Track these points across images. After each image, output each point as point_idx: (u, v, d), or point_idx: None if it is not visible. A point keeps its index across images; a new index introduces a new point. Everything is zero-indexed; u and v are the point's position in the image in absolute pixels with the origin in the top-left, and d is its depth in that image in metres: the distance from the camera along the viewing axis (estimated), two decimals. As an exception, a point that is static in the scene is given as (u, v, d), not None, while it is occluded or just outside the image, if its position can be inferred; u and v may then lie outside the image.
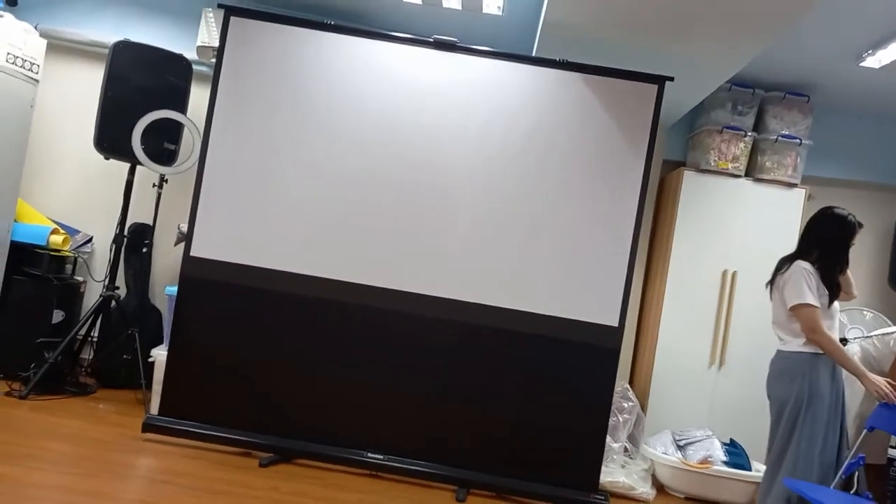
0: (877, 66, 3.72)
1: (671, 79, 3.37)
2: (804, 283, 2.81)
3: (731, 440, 3.90)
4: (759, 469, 3.79)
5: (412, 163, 3.39)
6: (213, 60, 3.62)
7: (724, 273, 4.21)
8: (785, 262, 2.99)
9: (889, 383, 2.69)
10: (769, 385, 3.04)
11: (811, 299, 2.79)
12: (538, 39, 3.48)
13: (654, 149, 3.38)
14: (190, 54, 4.13)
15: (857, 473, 2.61)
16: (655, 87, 3.37)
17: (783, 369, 2.93)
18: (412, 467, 3.26)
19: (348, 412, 3.36)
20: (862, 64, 3.72)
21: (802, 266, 2.86)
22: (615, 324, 3.35)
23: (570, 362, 3.34)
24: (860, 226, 2.91)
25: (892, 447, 3.69)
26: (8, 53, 3.68)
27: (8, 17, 3.74)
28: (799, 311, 2.81)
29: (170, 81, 3.94)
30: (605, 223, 3.37)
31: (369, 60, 3.41)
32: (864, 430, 2.74)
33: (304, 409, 3.36)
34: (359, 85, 3.40)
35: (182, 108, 3.99)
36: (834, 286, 2.87)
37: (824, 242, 2.92)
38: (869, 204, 4.61)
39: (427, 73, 3.40)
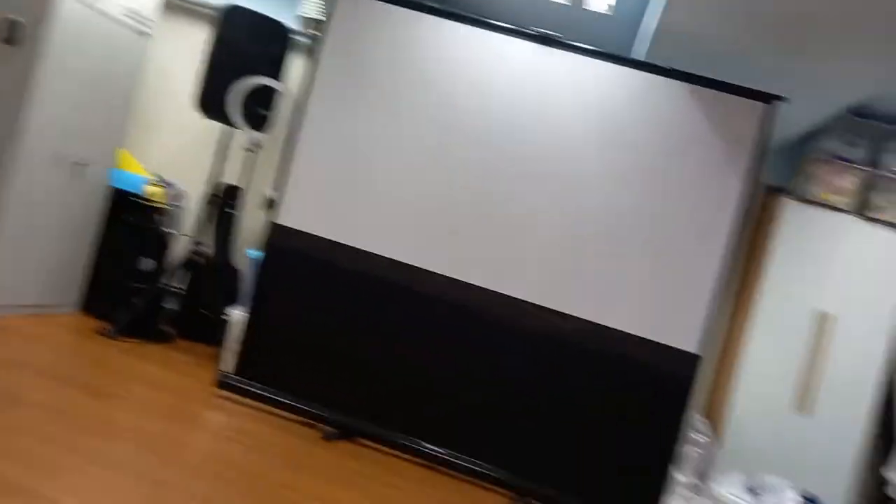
0: None
1: (785, 99, 3.17)
2: None
3: (810, 494, 3.64)
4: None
5: (508, 161, 3.32)
6: (313, 31, 3.64)
7: (820, 314, 3.95)
8: None
9: None
10: None
11: None
12: (650, 43, 3.33)
13: (755, 171, 3.20)
14: (292, 23, 4.18)
15: None
16: (765, 105, 3.19)
17: None
18: (472, 466, 3.18)
19: (413, 400, 3.31)
20: None
21: None
22: (693, 349, 3.18)
23: (644, 384, 3.19)
24: None
25: None
26: (123, 6, 3.80)
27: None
28: None
29: (272, 49, 4.00)
30: (695, 244, 3.21)
31: (479, 50, 3.35)
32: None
33: (372, 390, 3.33)
34: (465, 75, 3.35)
35: (280, 76, 4.03)
36: None
37: None
38: None
39: (528, 68, 3.32)
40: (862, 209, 3.98)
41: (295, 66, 4.26)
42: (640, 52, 3.66)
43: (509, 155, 3.31)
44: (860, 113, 3.97)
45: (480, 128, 3.33)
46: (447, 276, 3.30)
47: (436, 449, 3.21)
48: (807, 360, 3.94)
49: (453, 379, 3.30)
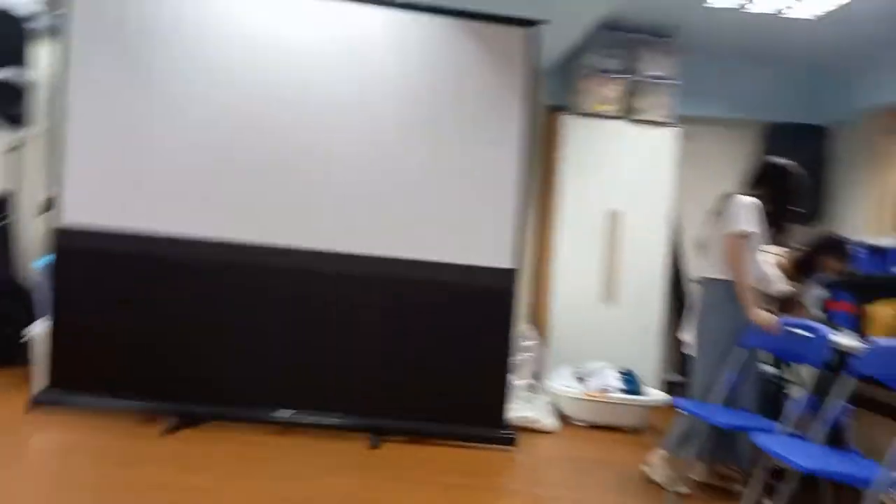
0: (719, 5, 3.87)
1: (545, 22, 3.41)
2: (748, 214, 2.90)
3: (626, 370, 4.14)
4: (652, 394, 4.07)
5: (289, 115, 3.27)
6: (57, 10, 3.28)
7: (611, 213, 4.42)
8: (732, 195, 3.03)
9: (768, 315, 2.87)
10: (699, 315, 3.12)
11: (748, 228, 2.89)
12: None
13: (532, 92, 3.43)
14: (28, 7, 3.72)
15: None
16: (529, 30, 3.41)
17: (714, 299, 3.03)
18: (322, 421, 3.23)
19: (251, 372, 3.26)
20: (707, 4, 3.88)
21: (748, 200, 2.95)
22: (510, 265, 3.42)
23: (471, 306, 3.39)
24: (804, 176, 3.05)
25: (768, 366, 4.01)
26: None
27: None
28: (732, 239, 2.90)
29: (7, 40, 3.55)
30: (490, 168, 3.41)
31: (232, 9, 3.22)
32: (737, 347, 2.96)
33: (204, 372, 3.23)
34: (223, 34, 3.22)
35: (25, 66, 3.61)
36: (777, 227, 3.01)
37: (773, 185, 3.02)
38: (736, 139, 4.95)
39: (293, 23, 3.27)
40: (628, 114, 4.46)
41: (43, 52, 3.80)
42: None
43: (291, 111, 3.26)
44: (612, 26, 4.39)
45: (255, 82, 3.23)
46: (252, 243, 3.23)
47: (283, 413, 3.21)
48: (606, 255, 4.42)
49: (287, 341, 3.28)
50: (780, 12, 3.91)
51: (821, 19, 3.90)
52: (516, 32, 3.41)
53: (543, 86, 4.53)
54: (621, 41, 4.44)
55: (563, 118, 4.41)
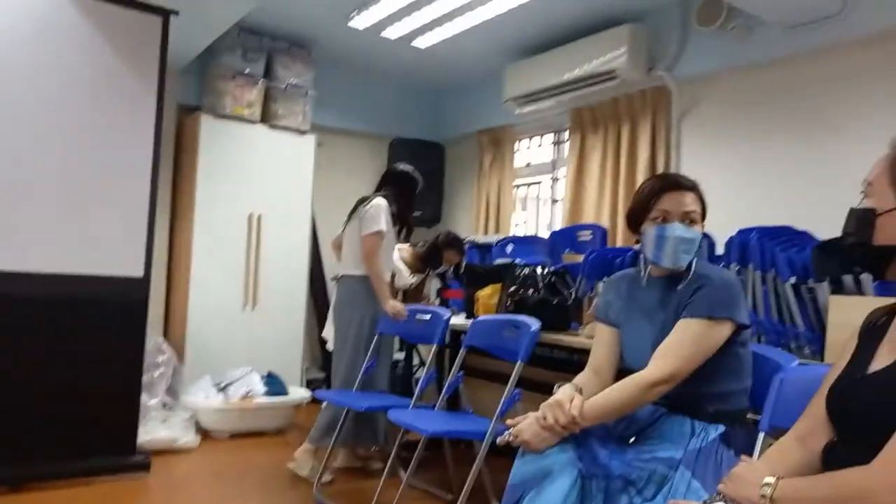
0: (361, 27, 4.20)
1: (175, 12, 3.22)
2: (383, 216, 3.11)
3: (269, 372, 4.08)
4: (295, 393, 4.09)
5: None
6: None
7: (251, 217, 4.33)
8: (366, 198, 3.23)
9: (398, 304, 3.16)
10: (338, 310, 3.27)
11: (383, 228, 3.10)
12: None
13: (164, 90, 3.22)
14: None
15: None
16: (160, 19, 3.19)
17: (351, 293, 3.19)
18: None
19: None
20: (350, 24, 4.16)
21: (382, 202, 3.16)
22: (140, 274, 3.12)
23: (94, 321, 3.00)
24: (421, 181, 3.40)
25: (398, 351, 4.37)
26: None
27: None
28: (369, 238, 3.08)
29: None
30: (119, 170, 3.09)
31: None
32: (377, 335, 3.18)
33: None
34: None
35: None
36: (403, 224, 3.31)
37: (398, 188, 3.31)
38: (366, 150, 5.33)
39: None
40: (268, 119, 4.45)
41: None
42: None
43: None
44: (252, 30, 4.34)
45: None
46: None
47: None
48: (247, 260, 4.32)
49: None
50: (410, 41, 4.34)
51: (437, 48, 4.43)
52: (151, 20, 3.14)
53: (178, 83, 4.25)
54: (260, 46, 4.40)
55: (200, 118, 4.18)
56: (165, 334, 4.24)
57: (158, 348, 3.72)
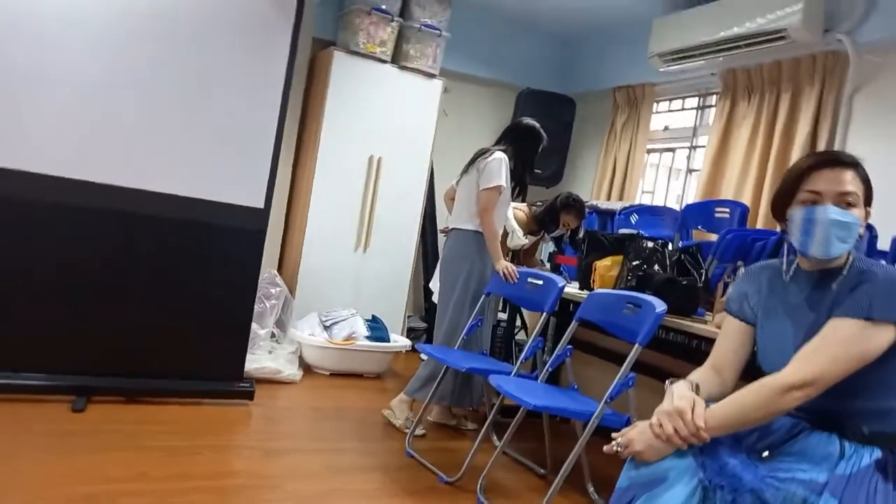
0: None
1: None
2: (503, 170, 2.97)
3: (373, 316, 4.10)
4: (396, 340, 4.09)
5: (17, 38, 2.62)
6: None
7: (371, 158, 4.30)
8: (486, 150, 3.09)
9: (511, 266, 3.02)
10: (446, 263, 3.16)
11: (502, 183, 2.96)
12: None
13: (301, 23, 3.14)
14: None
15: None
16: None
17: (462, 248, 3.08)
18: (12, 382, 2.66)
19: None
20: None
21: (503, 156, 3.01)
22: (261, 205, 3.14)
23: (213, 248, 3.04)
24: (545, 139, 3.20)
25: (501, 312, 4.26)
26: None
27: None
28: (487, 193, 2.96)
29: None
30: (249, 101, 3.07)
31: None
32: (483, 295, 3.07)
33: None
34: None
35: None
36: (519, 183, 3.14)
37: (520, 144, 3.13)
38: (493, 100, 5.13)
39: None
40: (398, 59, 4.34)
41: None
42: None
43: (21, 33, 2.60)
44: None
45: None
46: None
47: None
48: (363, 201, 4.30)
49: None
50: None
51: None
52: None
53: (315, 16, 4.21)
54: (397, -19, 4.27)
55: (333, 54, 4.14)
56: (279, 267, 4.34)
57: (272, 280, 3.80)
